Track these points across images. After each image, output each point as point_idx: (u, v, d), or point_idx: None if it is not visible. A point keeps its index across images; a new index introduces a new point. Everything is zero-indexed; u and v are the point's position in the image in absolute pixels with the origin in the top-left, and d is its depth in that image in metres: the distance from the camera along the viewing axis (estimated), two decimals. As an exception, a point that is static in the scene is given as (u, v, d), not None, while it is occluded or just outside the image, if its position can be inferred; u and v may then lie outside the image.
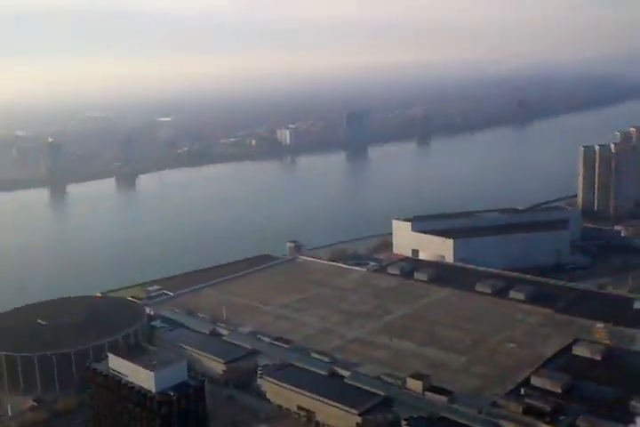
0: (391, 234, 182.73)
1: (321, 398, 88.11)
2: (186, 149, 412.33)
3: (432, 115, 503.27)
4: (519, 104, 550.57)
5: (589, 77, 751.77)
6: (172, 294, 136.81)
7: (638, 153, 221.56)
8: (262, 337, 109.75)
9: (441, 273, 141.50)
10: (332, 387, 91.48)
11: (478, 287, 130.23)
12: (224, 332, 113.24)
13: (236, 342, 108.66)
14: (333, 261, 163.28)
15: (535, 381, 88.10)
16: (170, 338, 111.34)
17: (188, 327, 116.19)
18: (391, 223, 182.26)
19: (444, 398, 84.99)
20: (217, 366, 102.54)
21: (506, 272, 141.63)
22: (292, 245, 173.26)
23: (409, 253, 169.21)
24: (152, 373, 72.74)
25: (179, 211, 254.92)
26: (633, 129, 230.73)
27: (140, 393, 73.26)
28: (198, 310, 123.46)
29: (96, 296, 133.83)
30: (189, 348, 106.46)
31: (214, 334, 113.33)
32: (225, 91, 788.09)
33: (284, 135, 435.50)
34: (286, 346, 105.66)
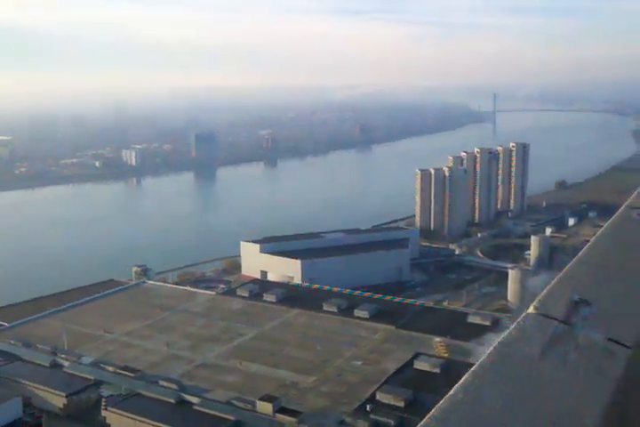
0: (240, 256, 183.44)
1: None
2: (24, 169, 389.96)
3: (279, 137, 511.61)
4: (363, 128, 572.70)
5: (431, 105, 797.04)
6: (7, 324, 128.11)
7: (469, 176, 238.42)
8: (106, 367, 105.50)
9: (289, 294, 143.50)
10: (181, 415, 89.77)
11: (325, 307, 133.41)
12: (65, 363, 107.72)
13: (77, 374, 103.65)
14: (181, 284, 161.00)
15: (380, 397, 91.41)
16: (5, 372, 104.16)
17: (25, 360, 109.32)
18: (239, 245, 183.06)
19: (293, 420, 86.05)
20: (57, 400, 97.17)
21: (351, 291, 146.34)
22: (139, 269, 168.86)
23: (258, 275, 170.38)
24: (-17, 412, 68.09)
25: (13, 235, 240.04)
26: (464, 154, 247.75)
27: (-31, 435, 68.27)
28: (37, 341, 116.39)
29: None
30: (27, 382, 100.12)
31: (54, 365, 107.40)
32: (68, 109, 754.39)
33: (130, 156, 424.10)
34: (132, 375, 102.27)
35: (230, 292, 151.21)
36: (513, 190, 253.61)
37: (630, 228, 5.37)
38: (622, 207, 6.63)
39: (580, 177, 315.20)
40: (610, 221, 5.71)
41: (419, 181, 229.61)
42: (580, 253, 4.40)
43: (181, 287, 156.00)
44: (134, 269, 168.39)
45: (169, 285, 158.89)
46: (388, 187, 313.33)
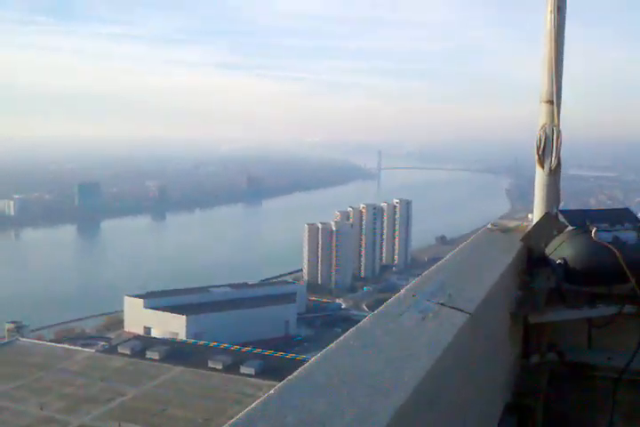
0: (122, 311, 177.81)
1: None
2: None
3: (167, 189, 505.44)
4: (250, 182, 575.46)
5: (317, 160, 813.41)
6: None
7: (355, 231, 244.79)
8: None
9: (174, 351, 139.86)
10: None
11: (210, 364, 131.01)
12: None
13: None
14: (59, 342, 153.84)
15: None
16: None
17: None
18: (123, 300, 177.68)
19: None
20: None
21: (237, 347, 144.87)
22: (12, 326, 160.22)
23: (141, 331, 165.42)
24: None
25: None
26: (350, 209, 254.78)
27: None
28: None
29: None
30: None
31: None
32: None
33: (9, 206, 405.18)
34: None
35: (111, 349, 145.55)
36: (397, 245, 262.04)
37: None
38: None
39: (458, 233, 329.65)
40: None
41: (306, 235, 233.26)
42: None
43: (58, 345, 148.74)
44: (7, 325, 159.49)
45: (45, 342, 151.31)
46: (277, 240, 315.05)
